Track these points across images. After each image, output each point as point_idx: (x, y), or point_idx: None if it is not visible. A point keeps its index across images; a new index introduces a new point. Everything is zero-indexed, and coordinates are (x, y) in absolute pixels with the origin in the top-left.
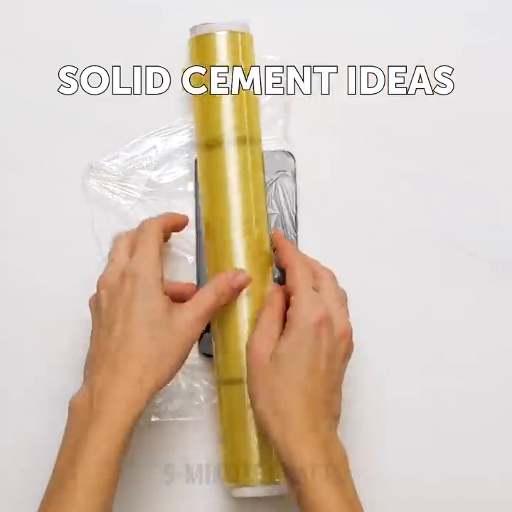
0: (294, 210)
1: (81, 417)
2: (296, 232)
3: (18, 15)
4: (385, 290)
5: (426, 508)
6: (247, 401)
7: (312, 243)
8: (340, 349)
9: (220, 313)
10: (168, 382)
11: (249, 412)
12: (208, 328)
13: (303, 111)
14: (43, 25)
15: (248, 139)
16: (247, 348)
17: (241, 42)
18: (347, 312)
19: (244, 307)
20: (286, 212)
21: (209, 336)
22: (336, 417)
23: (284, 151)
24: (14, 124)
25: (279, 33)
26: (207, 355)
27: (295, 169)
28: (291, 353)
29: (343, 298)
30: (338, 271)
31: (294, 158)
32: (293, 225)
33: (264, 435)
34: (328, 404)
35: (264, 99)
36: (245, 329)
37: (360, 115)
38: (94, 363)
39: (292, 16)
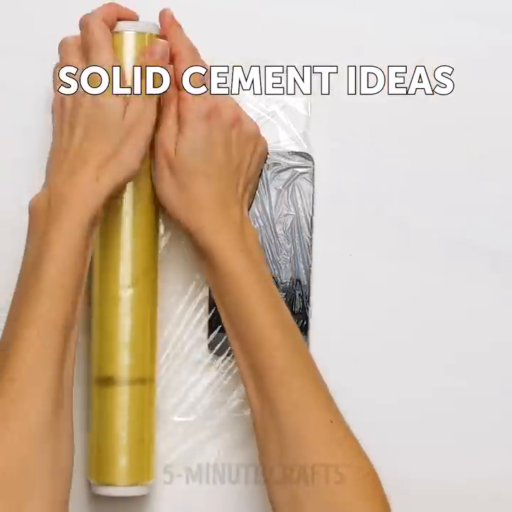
0: (310, 212)
1: (41, 218)
2: (311, 234)
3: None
4: (398, 290)
5: (430, 508)
6: (120, 402)
7: (327, 245)
8: (233, 136)
9: (99, 323)
10: (127, 180)
11: (121, 413)
12: (217, 328)
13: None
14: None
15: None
16: (155, 148)
17: (148, 43)
18: (239, 107)
19: (123, 319)
20: (302, 214)
21: (219, 336)
22: (246, 205)
23: (302, 152)
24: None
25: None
26: (215, 353)
27: (313, 171)
28: (190, 148)
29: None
30: (352, 272)
31: (312, 161)
32: (308, 227)
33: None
34: (236, 189)
35: (283, 101)
36: (124, 338)
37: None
38: (54, 164)
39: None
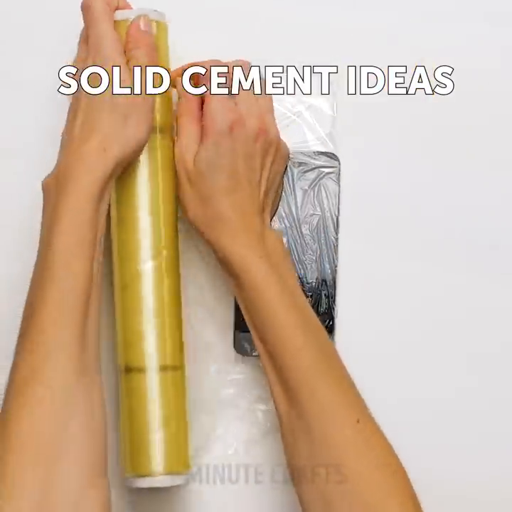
0: (336, 212)
1: (52, 193)
2: (336, 234)
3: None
4: (423, 290)
5: (453, 509)
6: (148, 390)
7: (353, 245)
8: (257, 148)
9: (122, 305)
10: (134, 152)
11: (151, 401)
12: (239, 329)
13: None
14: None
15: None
16: (175, 155)
17: (155, 30)
18: (267, 112)
19: (147, 309)
20: (328, 214)
21: (242, 336)
22: (269, 211)
23: (328, 152)
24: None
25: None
26: (240, 353)
27: (339, 171)
28: (210, 160)
29: (258, 100)
30: (378, 272)
31: (338, 160)
32: (334, 227)
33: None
34: (257, 200)
35: (308, 101)
36: (148, 323)
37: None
38: (62, 147)
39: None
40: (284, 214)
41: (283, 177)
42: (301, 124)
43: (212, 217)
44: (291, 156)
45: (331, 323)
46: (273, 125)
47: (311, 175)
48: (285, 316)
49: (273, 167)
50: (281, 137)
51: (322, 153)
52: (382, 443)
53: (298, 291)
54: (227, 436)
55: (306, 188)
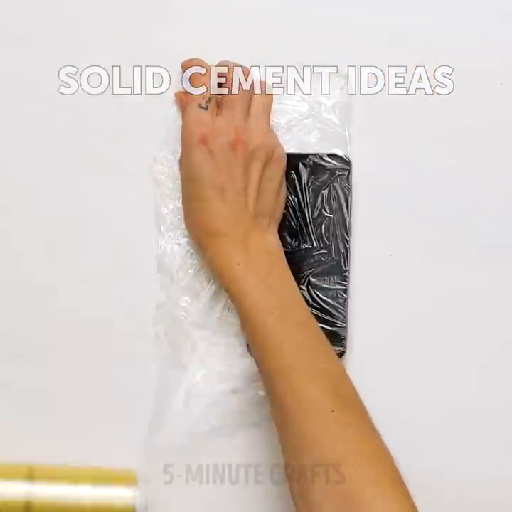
0: (348, 215)
1: None
2: (348, 236)
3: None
4: (438, 291)
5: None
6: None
7: (365, 247)
8: (236, 156)
9: None
10: None
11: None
12: None
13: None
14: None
15: None
16: None
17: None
18: (258, 115)
19: None
20: (339, 216)
21: None
22: (266, 216)
23: (339, 154)
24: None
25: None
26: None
27: (351, 173)
28: (183, 174)
29: (243, 106)
30: (391, 273)
31: (350, 162)
32: (345, 230)
33: None
34: (244, 208)
35: (321, 102)
36: None
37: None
38: None
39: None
40: (294, 217)
41: (282, 180)
42: (312, 125)
43: (196, 227)
44: (302, 157)
45: (343, 326)
46: (260, 131)
47: (323, 177)
48: (266, 316)
49: (265, 173)
50: (292, 139)
51: (333, 155)
52: (362, 429)
53: (283, 293)
54: (227, 435)
55: (318, 190)
